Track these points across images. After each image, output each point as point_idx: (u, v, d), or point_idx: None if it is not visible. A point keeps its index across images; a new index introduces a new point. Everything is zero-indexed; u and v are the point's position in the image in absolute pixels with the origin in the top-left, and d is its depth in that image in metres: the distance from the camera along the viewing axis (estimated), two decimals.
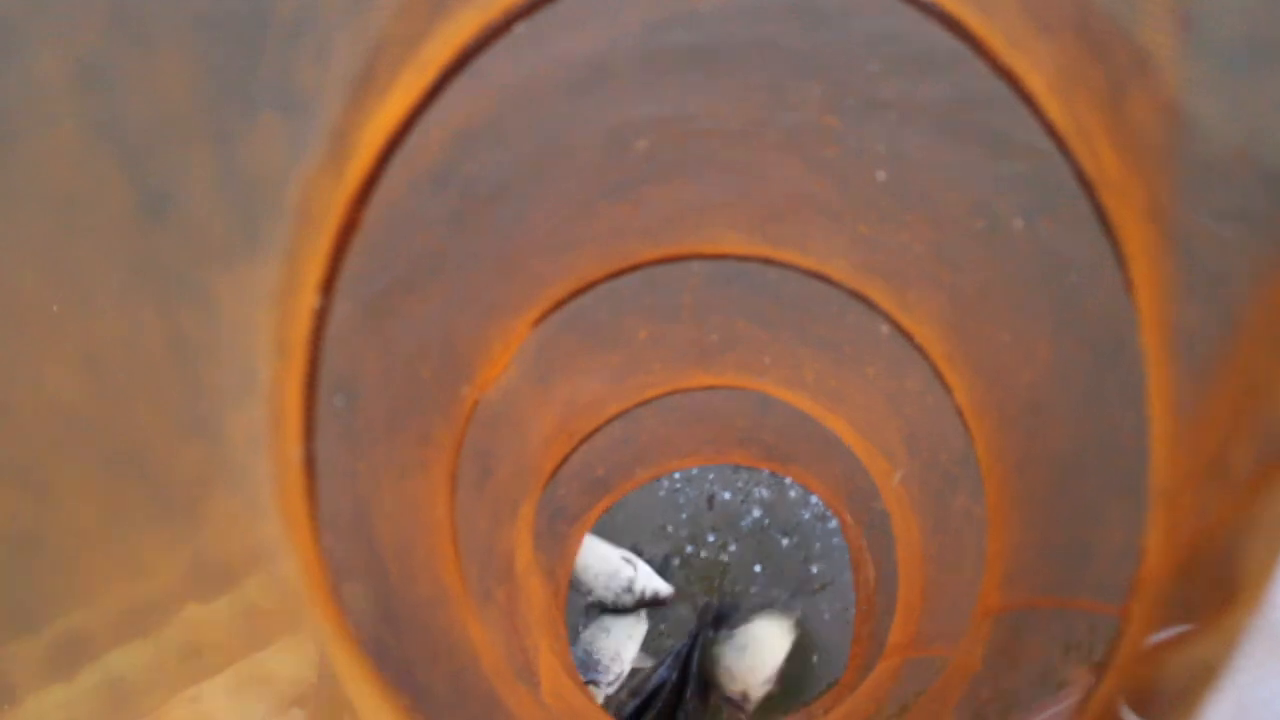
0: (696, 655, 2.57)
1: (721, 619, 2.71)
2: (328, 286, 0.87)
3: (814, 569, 2.87)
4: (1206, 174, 0.70)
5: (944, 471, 1.80)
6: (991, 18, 0.93)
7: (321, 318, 0.86)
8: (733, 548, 2.91)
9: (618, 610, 2.76)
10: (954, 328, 1.55)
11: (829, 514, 2.89)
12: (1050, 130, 0.93)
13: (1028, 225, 1.30)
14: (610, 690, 2.63)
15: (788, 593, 2.83)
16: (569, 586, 2.73)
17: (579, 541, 2.68)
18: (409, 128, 0.94)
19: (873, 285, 1.61)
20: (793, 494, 2.94)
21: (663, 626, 2.83)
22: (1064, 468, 1.39)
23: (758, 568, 2.88)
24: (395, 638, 1.19)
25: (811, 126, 1.33)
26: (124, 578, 0.73)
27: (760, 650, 2.56)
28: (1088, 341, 1.28)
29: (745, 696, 2.56)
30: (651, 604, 2.77)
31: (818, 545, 2.90)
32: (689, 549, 2.91)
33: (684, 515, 2.95)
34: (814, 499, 2.91)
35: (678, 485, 2.98)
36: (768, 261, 1.62)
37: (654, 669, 2.65)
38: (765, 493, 2.95)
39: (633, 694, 2.61)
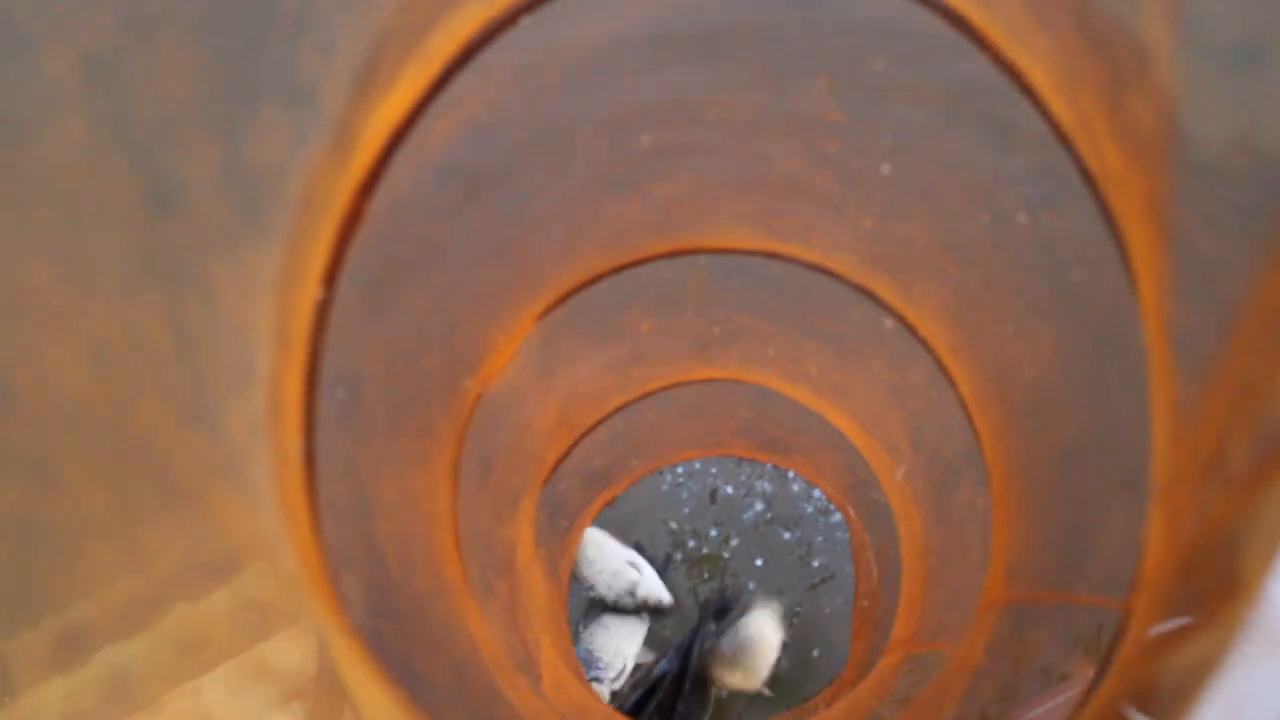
0: (697, 648, 2.57)
1: (723, 613, 2.71)
2: (330, 278, 0.87)
3: (816, 563, 2.88)
4: (1203, 171, 0.70)
5: (947, 465, 1.80)
6: (994, 12, 0.93)
7: (324, 309, 0.87)
8: (735, 542, 2.91)
9: (618, 610, 2.77)
10: (958, 321, 1.55)
11: (832, 508, 2.89)
12: (1053, 124, 0.93)
13: (1031, 219, 1.30)
14: (616, 686, 2.64)
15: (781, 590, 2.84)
16: (571, 576, 2.74)
17: (581, 535, 2.68)
18: (413, 120, 0.94)
19: (877, 279, 1.61)
20: (795, 488, 2.95)
21: (665, 621, 2.83)
22: (1067, 462, 1.39)
23: (759, 561, 2.88)
24: (395, 630, 1.20)
25: (815, 121, 1.33)
26: (125, 569, 0.73)
27: (754, 641, 2.56)
28: (1091, 336, 1.28)
29: (742, 686, 2.56)
30: (652, 611, 2.77)
31: (820, 539, 2.90)
32: (691, 544, 2.92)
33: (686, 510, 2.95)
34: (816, 492, 2.91)
35: (680, 480, 2.98)
36: (771, 255, 1.62)
37: (655, 661, 2.65)
38: (768, 486, 2.95)
39: (634, 686, 2.61)
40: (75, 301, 0.67)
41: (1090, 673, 0.89)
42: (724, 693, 2.63)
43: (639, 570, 2.75)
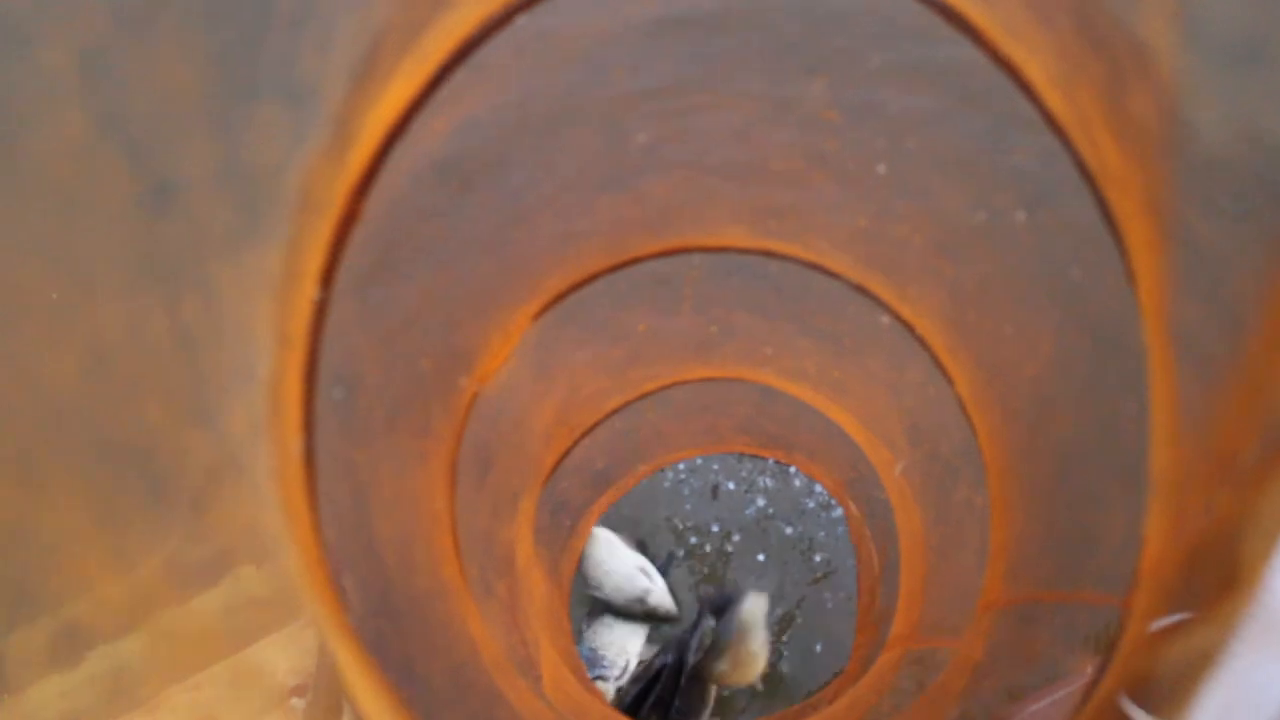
0: (695, 643, 2.57)
1: (723, 608, 2.71)
2: (328, 277, 0.87)
3: (818, 558, 2.88)
4: (1203, 168, 0.70)
5: (946, 463, 1.81)
6: (992, 9, 0.93)
7: (322, 309, 0.86)
8: (736, 538, 2.91)
9: (622, 614, 2.76)
10: (955, 320, 1.55)
11: (833, 502, 2.89)
12: (1051, 122, 0.93)
13: (1029, 217, 1.30)
14: (621, 684, 2.64)
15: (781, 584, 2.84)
16: (574, 575, 2.73)
17: (583, 536, 2.68)
18: (410, 119, 0.94)
19: (873, 278, 1.61)
20: (797, 483, 2.95)
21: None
22: (1066, 459, 1.39)
23: (761, 557, 2.88)
24: (395, 631, 1.20)
25: (812, 120, 1.33)
26: (124, 568, 0.73)
27: (742, 627, 2.56)
28: (1090, 333, 1.28)
29: (736, 677, 2.56)
30: (659, 620, 2.77)
31: (822, 534, 2.90)
32: (693, 540, 2.92)
33: (688, 506, 2.95)
34: (818, 488, 2.91)
35: (682, 476, 2.98)
36: (768, 254, 1.62)
37: (655, 656, 2.66)
38: (769, 482, 2.96)
39: (635, 681, 2.61)
40: (73, 300, 0.67)
41: (1091, 669, 0.89)
42: (725, 691, 2.63)
43: (650, 578, 2.74)
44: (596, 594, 2.76)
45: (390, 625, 1.19)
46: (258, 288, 0.74)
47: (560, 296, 1.60)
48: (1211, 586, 0.58)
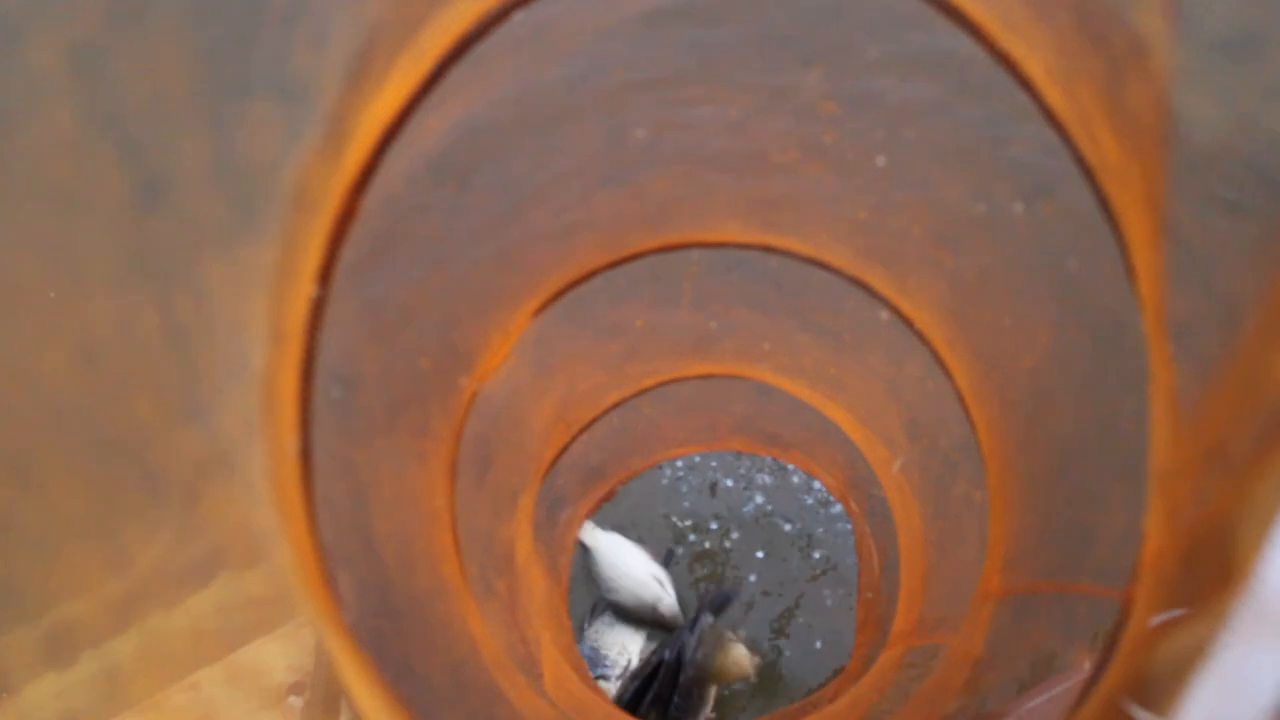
0: (693, 640, 2.57)
1: (722, 605, 2.71)
2: (325, 275, 0.87)
3: (817, 554, 2.88)
4: (1201, 162, 0.70)
5: (944, 457, 1.80)
6: (990, 3, 0.92)
7: (318, 307, 0.86)
8: (735, 535, 2.91)
9: (629, 617, 2.76)
10: (954, 313, 1.54)
11: (832, 499, 2.89)
12: (1050, 115, 0.93)
13: (1028, 210, 1.29)
14: (622, 681, 2.64)
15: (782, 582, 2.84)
16: (570, 572, 2.73)
17: (576, 529, 2.67)
18: (407, 115, 0.94)
19: (872, 271, 1.60)
20: (795, 480, 2.94)
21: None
22: (1065, 453, 1.39)
23: (760, 554, 2.88)
24: (394, 630, 1.19)
25: (810, 113, 1.32)
26: (118, 567, 0.73)
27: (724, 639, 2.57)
28: (1089, 327, 1.28)
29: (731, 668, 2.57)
30: (665, 627, 2.77)
31: (821, 530, 2.90)
32: (692, 537, 2.92)
33: (686, 504, 2.95)
34: (817, 484, 2.91)
35: (680, 473, 2.98)
36: (767, 249, 1.62)
37: (654, 652, 2.66)
38: (768, 479, 2.95)
39: (633, 678, 2.61)
40: (65, 296, 0.67)
41: (1089, 663, 0.89)
42: (726, 689, 2.63)
43: (664, 586, 2.74)
44: (608, 596, 2.76)
45: (390, 624, 1.19)
46: (251, 285, 0.74)
47: (559, 293, 1.60)
48: (1208, 579, 0.58)
